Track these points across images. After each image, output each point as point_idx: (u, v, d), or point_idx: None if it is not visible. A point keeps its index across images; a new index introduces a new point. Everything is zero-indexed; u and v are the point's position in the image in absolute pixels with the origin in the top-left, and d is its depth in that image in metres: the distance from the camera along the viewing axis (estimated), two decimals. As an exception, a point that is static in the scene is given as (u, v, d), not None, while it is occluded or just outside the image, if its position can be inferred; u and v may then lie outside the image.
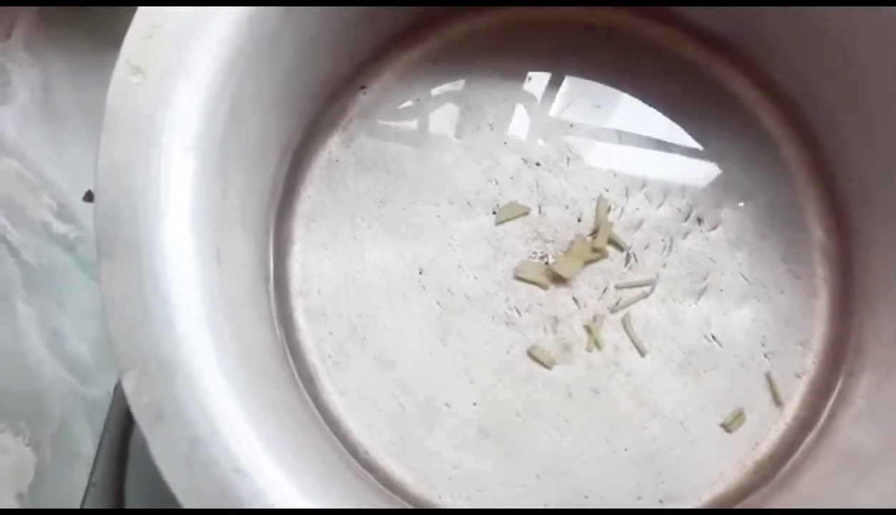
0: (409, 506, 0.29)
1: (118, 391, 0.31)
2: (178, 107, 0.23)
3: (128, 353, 0.21)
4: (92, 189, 0.37)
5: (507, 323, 0.32)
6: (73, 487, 0.35)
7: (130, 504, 0.30)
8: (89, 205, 0.38)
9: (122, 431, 0.31)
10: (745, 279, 0.32)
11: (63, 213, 0.38)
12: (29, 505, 0.35)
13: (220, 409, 0.22)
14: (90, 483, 0.30)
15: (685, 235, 0.33)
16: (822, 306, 0.32)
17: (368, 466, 0.30)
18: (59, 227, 0.38)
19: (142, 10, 0.23)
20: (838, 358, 0.31)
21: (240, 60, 0.24)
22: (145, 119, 0.22)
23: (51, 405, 0.36)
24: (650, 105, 0.34)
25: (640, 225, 0.33)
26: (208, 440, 0.21)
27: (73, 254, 0.38)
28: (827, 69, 0.30)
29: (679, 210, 0.33)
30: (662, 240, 0.32)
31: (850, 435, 0.28)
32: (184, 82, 0.23)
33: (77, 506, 0.31)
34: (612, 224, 0.32)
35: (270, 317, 0.30)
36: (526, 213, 0.33)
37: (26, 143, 0.38)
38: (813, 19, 0.29)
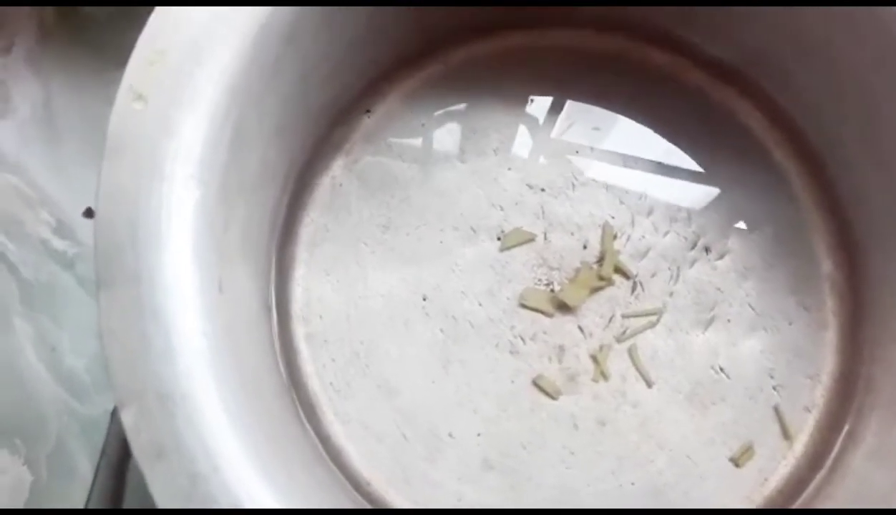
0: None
1: (116, 415, 0.31)
2: (180, 136, 0.22)
3: (127, 387, 0.21)
4: (91, 206, 0.37)
5: (511, 352, 0.31)
6: (69, 506, 0.35)
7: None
8: (88, 222, 0.37)
9: (119, 456, 0.30)
10: (753, 309, 0.32)
11: (62, 230, 0.37)
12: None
13: (221, 445, 0.21)
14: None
15: (692, 264, 0.32)
16: (831, 338, 0.31)
17: (371, 499, 0.29)
18: (58, 244, 0.37)
19: (146, 35, 0.23)
20: (848, 394, 0.30)
21: (243, 88, 0.24)
22: (147, 147, 0.22)
23: (47, 423, 0.36)
24: (657, 132, 0.33)
25: (646, 253, 0.32)
26: (209, 476, 0.21)
27: (72, 271, 0.37)
28: (838, 101, 0.29)
29: (686, 238, 0.32)
30: (669, 268, 0.32)
31: (861, 474, 0.28)
32: (187, 110, 0.23)
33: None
34: (618, 251, 0.32)
35: (272, 344, 0.29)
36: (531, 240, 0.32)
37: (26, 159, 0.38)
38: (824, 50, 0.28)
